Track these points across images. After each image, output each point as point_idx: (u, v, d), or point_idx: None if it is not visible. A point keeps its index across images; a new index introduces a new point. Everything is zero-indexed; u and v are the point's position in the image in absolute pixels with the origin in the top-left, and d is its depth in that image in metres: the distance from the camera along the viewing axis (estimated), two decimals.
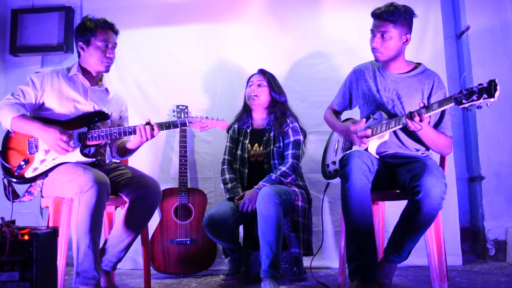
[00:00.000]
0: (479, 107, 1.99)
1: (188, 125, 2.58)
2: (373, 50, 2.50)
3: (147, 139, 2.53)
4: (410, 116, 2.19)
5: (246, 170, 3.01)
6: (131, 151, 2.70)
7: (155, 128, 2.52)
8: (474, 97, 1.97)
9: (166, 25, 3.75)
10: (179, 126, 2.57)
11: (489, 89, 1.93)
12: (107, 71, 2.64)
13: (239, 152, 3.04)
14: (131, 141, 2.62)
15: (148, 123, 2.52)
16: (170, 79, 3.69)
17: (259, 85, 3.02)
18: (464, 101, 2.00)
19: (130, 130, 2.53)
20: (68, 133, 2.43)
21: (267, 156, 2.95)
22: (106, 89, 2.71)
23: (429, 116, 2.21)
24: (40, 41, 3.81)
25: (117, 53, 2.68)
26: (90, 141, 2.50)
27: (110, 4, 3.73)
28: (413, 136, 2.46)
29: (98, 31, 2.55)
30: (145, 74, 3.70)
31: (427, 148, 2.51)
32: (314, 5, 3.66)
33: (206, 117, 2.64)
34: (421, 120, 2.17)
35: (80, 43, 2.59)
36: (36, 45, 3.81)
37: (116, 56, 2.68)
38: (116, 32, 2.65)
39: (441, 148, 2.45)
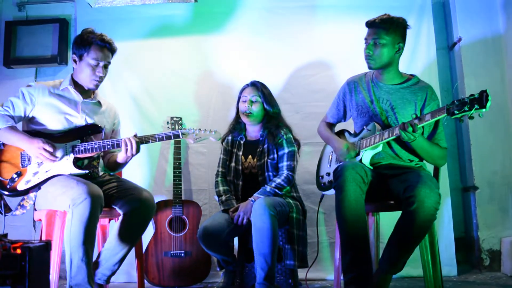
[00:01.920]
0: (471, 117, 2.01)
1: (181, 137, 2.58)
2: (366, 57, 2.52)
3: (132, 154, 2.51)
4: (403, 127, 2.20)
5: (241, 182, 2.99)
6: (120, 165, 2.68)
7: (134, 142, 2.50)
8: (466, 108, 1.99)
9: (160, 37, 3.76)
10: (172, 138, 2.57)
11: (481, 99, 1.95)
12: (95, 88, 2.65)
13: (233, 164, 3.03)
14: (119, 155, 2.61)
15: (135, 136, 2.52)
16: (164, 91, 3.69)
17: (253, 101, 2.98)
18: (456, 111, 2.02)
19: (114, 143, 2.51)
20: (53, 144, 2.42)
21: (261, 168, 2.94)
22: (99, 102, 2.71)
23: (422, 126, 2.22)
24: (34, 53, 3.80)
25: (111, 65, 2.68)
26: (82, 153, 2.49)
27: (104, 16, 3.74)
28: (407, 147, 2.46)
29: (92, 48, 2.55)
30: (139, 86, 3.70)
31: (421, 159, 2.52)
32: (308, 17, 3.68)
33: (199, 129, 2.64)
34: (414, 131, 2.18)
35: (74, 55, 2.60)
36: (30, 57, 3.80)
37: (110, 68, 2.68)
38: (112, 51, 2.64)
39: (435, 159, 2.46)
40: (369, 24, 2.51)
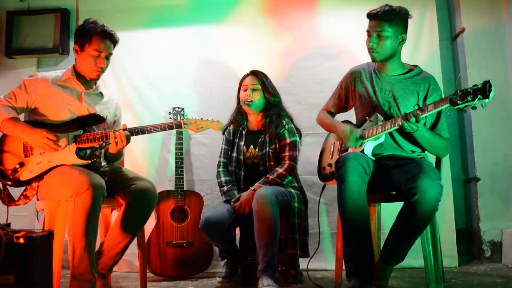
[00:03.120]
0: (474, 107, 2.00)
1: (183, 126, 2.59)
2: (370, 50, 2.50)
3: (122, 145, 2.50)
4: (406, 117, 2.20)
5: (242, 173, 2.99)
6: (114, 156, 2.67)
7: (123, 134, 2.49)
8: (469, 98, 1.98)
9: (162, 27, 3.76)
10: (174, 128, 2.58)
11: (484, 89, 1.95)
12: (97, 79, 2.64)
13: (234, 154, 3.03)
14: (110, 147, 2.59)
15: (124, 129, 2.51)
16: (166, 81, 3.69)
17: (253, 89, 2.98)
18: (459, 101, 2.02)
19: (107, 135, 2.50)
20: (56, 133, 2.42)
21: (263, 158, 2.94)
22: (101, 93, 2.71)
23: (425, 117, 2.21)
24: (35, 43, 3.80)
25: (113, 56, 2.67)
26: (84, 143, 2.49)
27: (106, 6, 3.73)
28: (409, 137, 2.46)
29: (93, 39, 2.53)
30: (141, 76, 3.70)
31: (423, 150, 2.52)
32: (310, 8, 3.67)
33: (201, 118, 2.65)
34: (417, 121, 2.18)
35: (75, 46, 2.59)
36: (31, 47, 3.80)
37: (112, 59, 2.67)
38: (114, 42, 2.62)
39: (437, 149, 2.46)
40: (372, 16, 2.48)
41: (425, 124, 2.32)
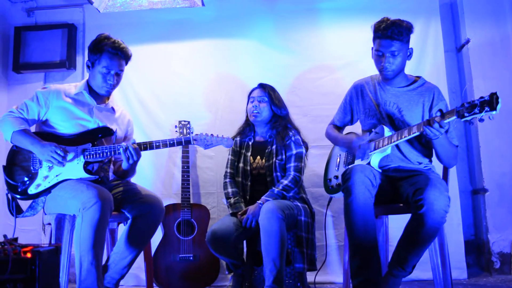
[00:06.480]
0: (481, 120, 1.99)
1: (192, 143, 2.55)
2: (382, 69, 2.48)
3: (134, 162, 2.49)
4: (429, 123, 2.15)
5: (249, 183, 2.99)
6: (127, 172, 2.66)
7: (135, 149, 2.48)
8: (476, 110, 1.97)
9: (168, 41, 3.79)
10: (183, 144, 2.54)
11: (491, 102, 1.94)
12: (107, 95, 2.64)
13: (241, 165, 3.04)
14: (122, 163, 2.59)
15: (133, 144, 2.49)
16: (172, 95, 3.71)
17: (260, 101, 3.01)
18: (466, 114, 2.00)
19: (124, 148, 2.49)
20: (65, 148, 2.44)
21: (270, 169, 2.94)
22: (112, 108, 2.71)
23: (448, 123, 2.15)
24: (42, 58, 3.84)
25: None
26: (93, 157, 2.49)
27: (113, 21, 3.76)
28: (416, 148, 2.46)
29: (103, 56, 2.54)
30: (148, 90, 3.72)
31: (430, 161, 2.51)
32: (315, 20, 3.69)
33: (212, 135, 2.59)
34: (441, 127, 2.14)
35: (87, 61, 2.60)
36: (38, 62, 3.84)
37: None
38: (126, 58, 2.61)
39: (451, 158, 2.41)
40: (383, 35, 2.43)
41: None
